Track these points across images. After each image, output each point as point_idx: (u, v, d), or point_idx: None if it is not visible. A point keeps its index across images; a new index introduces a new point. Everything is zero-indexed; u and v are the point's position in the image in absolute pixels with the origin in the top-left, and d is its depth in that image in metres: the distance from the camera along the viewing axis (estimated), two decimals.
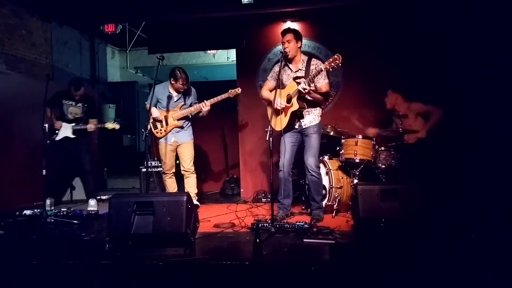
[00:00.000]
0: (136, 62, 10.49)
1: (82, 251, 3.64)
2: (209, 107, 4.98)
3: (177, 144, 5.12)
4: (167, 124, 5.04)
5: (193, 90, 5.20)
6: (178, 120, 5.05)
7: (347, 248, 3.54)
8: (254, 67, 6.30)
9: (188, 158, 5.13)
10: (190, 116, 5.16)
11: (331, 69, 4.14)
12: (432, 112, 5.10)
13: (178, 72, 4.94)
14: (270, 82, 4.66)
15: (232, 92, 5.01)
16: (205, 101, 4.99)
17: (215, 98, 4.98)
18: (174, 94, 5.08)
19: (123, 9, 6.27)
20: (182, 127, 5.09)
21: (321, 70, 4.13)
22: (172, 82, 5.00)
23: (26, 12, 6.81)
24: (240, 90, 5.08)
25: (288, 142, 4.46)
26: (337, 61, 4.01)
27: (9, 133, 6.00)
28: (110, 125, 5.61)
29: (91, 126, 5.57)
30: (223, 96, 5.00)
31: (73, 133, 5.54)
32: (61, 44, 7.76)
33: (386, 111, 5.42)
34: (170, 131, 5.07)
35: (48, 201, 5.60)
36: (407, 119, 5.01)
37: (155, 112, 5.00)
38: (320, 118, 4.54)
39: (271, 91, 4.61)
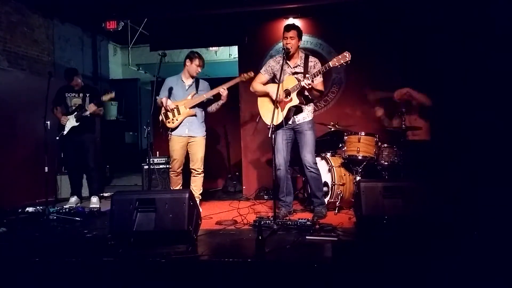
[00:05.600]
0: (138, 59, 10.48)
1: (85, 248, 3.65)
2: (227, 91, 4.86)
3: (189, 140, 4.95)
4: (179, 113, 4.88)
5: (206, 83, 5.11)
6: (190, 108, 4.90)
7: (350, 245, 3.54)
8: (256, 64, 6.26)
9: (199, 157, 4.96)
10: (203, 109, 5.03)
11: (339, 66, 4.14)
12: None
13: (194, 53, 4.95)
14: (264, 76, 4.63)
15: (244, 76, 4.89)
16: (222, 86, 4.85)
17: (229, 82, 4.89)
18: (187, 82, 5.00)
19: (125, 6, 6.26)
20: (195, 115, 4.93)
21: (329, 67, 4.13)
22: (187, 64, 4.93)
23: (28, 9, 6.80)
24: (252, 74, 4.87)
25: (282, 140, 4.46)
26: (347, 59, 4.02)
27: (11, 130, 6.00)
28: (105, 97, 5.46)
29: (91, 107, 5.45)
30: (236, 80, 4.95)
31: (77, 121, 5.51)
32: (63, 41, 7.76)
33: (389, 107, 5.40)
34: (182, 122, 4.90)
35: (72, 199, 5.71)
36: (409, 116, 4.99)
37: (168, 101, 4.85)
38: (313, 114, 4.56)
39: (264, 84, 4.60)
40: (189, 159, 5.06)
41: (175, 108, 4.88)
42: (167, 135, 5.01)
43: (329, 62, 4.15)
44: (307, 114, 4.49)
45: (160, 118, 4.94)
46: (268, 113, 4.32)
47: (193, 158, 5.00)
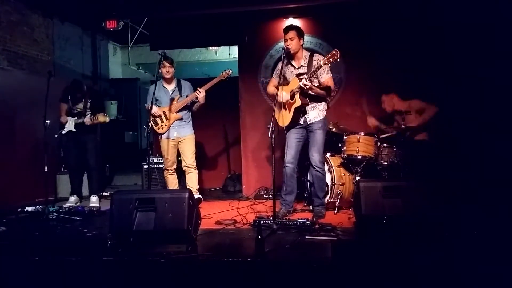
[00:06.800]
0: (138, 59, 10.48)
1: (84, 247, 3.65)
2: (204, 93, 4.98)
3: (179, 140, 5.15)
4: (167, 118, 5.07)
5: (188, 83, 5.26)
6: (177, 112, 5.08)
7: (349, 245, 3.55)
8: (256, 64, 6.28)
9: (189, 153, 5.16)
10: (189, 110, 5.18)
11: (330, 64, 4.15)
12: (427, 108, 5.09)
13: (162, 58, 5.00)
14: (275, 79, 4.65)
15: (223, 75, 5.01)
16: (198, 88, 5.01)
17: (208, 84, 5.00)
18: (170, 87, 5.15)
19: (125, 5, 6.26)
20: (182, 119, 5.11)
21: (321, 66, 4.14)
22: (161, 71, 5.09)
23: (28, 9, 6.80)
24: (231, 71, 5.08)
25: (293, 138, 4.47)
26: (335, 56, 4.01)
27: (11, 129, 6.00)
28: (101, 118, 5.45)
29: (87, 119, 5.47)
30: (215, 80, 5.01)
31: (75, 127, 5.52)
32: (63, 41, 7.76)
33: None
34: (171, 126, 5.10)
35: (72, 198, 5.70)
36: (409, 116, 4.99)
37: (154, 108, 4.99)
38: (325, 113, 4.55)
39: (276, 88, 4.62)
40: (181, 159, 5.23)
41: (162, 114, 5.06)
42: (158, 137, 5.19)
43: (320, 62, 4.17)
44: (318, 114, 4.48)
45: (150, 125, 4.97)
46: (280, 116, 4.43)
47: (184, 155, 5.17)
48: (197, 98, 5.01)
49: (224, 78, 5.02)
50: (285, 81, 4.51)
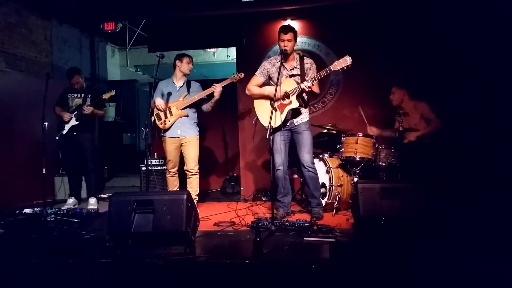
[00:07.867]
0: (136, 61, 10.47)
1: (82, 249, 3.64)
2: (221, 88, 4.89)
3: (182, 141, 5.00)
4: (171, 114, 4.95)
5: (197, 84, 5.17)
6: (182, 109, 4.97)
7: (348, 246, 3.54)
8: (254, 66, 6.20)
9: (192, 157, 5.00)
10: (195, 109, 5.09)
11: (340, 70, 4.17)
12: (433, 121, 5.08)
13: (181, 53, 5.07)
14: (259, 78, 4.62)
15: (235, 77, 4.98)
16: (214, 84, 4.93)
17: (223, 81, 4.96)
18: (178, 84, 5.07)
19: (123, 7, 6.26)
20: (187, 116, 4.99)
21: (331, 70, 4.15)
22: (178, 64, 5.04)
23: (26, 11, 6.79)
24: (243, 75, 5.01)
25: (281, 141, 4.46)
26: (348, 63, 4.07)
27: (9, 131, 6.00)
28: (106, 95, 5.49)
29: (87, 107, 5.46)
30: (228, 80, 4.99)
31: (77, 120, 5.51)
32: (61, 43, 7.75)
33: (387, 109, 5.40)
34: (174, 123, 4.96)
35: (70, 200, 5.70)
36: (407, 117, 4.99)
37: (159, 100, 4.90)
38: (309, 115, 4.60)
39: (260, 87, 4.60)
40: (184, 161, 5.12)
41: (167, 109, 4.95)
42: (161, 136, 5.07)
43: (330, 66, 4.17)
44: (304, 115, 4.52)
45: (153, 119, 4.95)
46: (266, 115, 4.30)
47: (186, 159, 5.05)
48: (208, 95, 4.94)
49: (235, 81, 5.02)
50: (271, 81, 4.53)
